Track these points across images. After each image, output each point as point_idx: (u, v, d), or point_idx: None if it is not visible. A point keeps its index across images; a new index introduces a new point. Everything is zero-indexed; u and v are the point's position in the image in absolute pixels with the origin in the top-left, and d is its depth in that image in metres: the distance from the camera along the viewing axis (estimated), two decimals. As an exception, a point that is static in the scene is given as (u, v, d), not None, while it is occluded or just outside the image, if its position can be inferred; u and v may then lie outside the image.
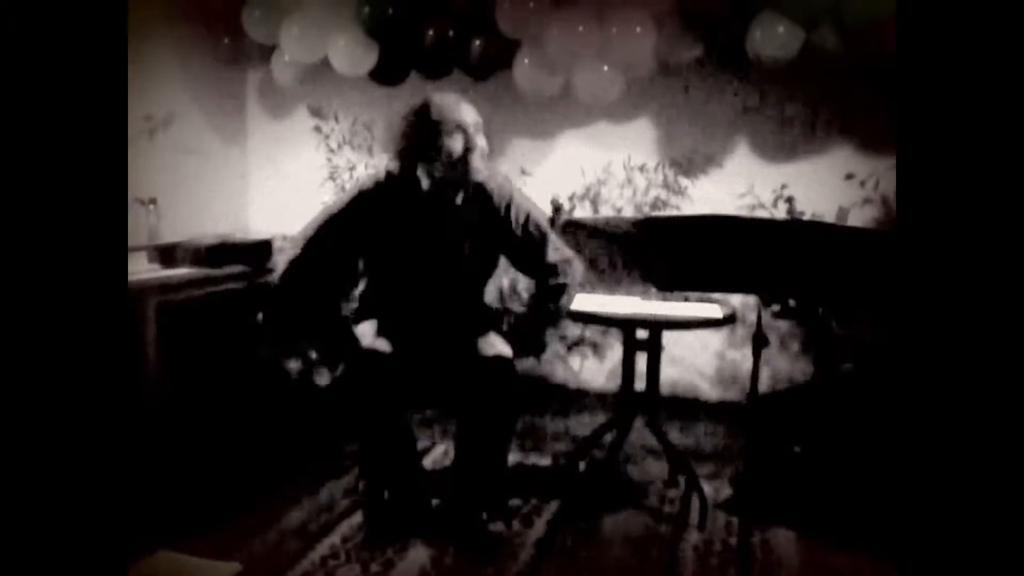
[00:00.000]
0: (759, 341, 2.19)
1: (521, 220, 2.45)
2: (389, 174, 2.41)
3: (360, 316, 2.50)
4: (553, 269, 2.47)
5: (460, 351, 2.43)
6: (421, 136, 2.32)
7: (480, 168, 2.34)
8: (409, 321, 2.45)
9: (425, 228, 2.39)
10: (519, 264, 2.57)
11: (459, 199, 2.40)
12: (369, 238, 2.41)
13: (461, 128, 2.30)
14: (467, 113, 2.33)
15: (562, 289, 2.46)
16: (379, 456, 2.44)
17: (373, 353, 2.37)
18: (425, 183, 2.37)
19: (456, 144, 2.30)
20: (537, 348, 2.52)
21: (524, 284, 2.61)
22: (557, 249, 2.49)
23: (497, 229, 2.44)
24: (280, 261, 2.44)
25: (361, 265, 2.51)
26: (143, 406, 2.37)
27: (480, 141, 2.34)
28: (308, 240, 2.39)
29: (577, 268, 2.50)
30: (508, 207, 2.44)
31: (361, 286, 2.53)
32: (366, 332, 2.44)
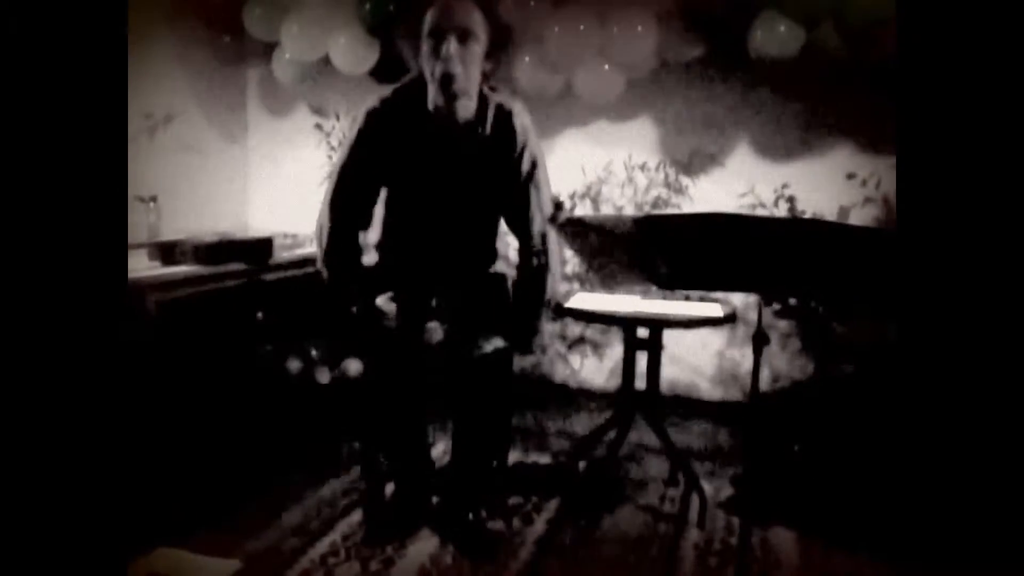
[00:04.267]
0: (759, 340, 2.18)
1: (527, 168, 2.33)
2: (395, 89, 2.27)
3: (374, 278, 2.39)
4: (536, 240, 2.36)
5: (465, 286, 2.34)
6: (424, 42, 2.16)
7: (468, 89, 2.16)
8: (421, 256, 2.35)
9: (434, 149, 2.25)
10: (508, 214, 2.43)
11: (466, 115, 2.22)
12: (387, 159, 2.27)
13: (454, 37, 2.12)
14: (465, 20, 2.14)
15: (544, 275, 2.36)
16: (393, 445, 2.42)
17: (403, 338, 2.29)
18: (430, 99, 2.20)
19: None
20: (528, 337, 2.42)
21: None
22: (542, 219, 2.38)
23: (505, 166, 2.31)
24: (322, 211, 2.30)
25: (382, 200, 2.37)
26: (143, 404, 2.37)
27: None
28: (340, 173, 2.27)
29: (552, 240, 2.37)
30: (523, 149, 2.32)
31: (374, 235, 2.41)
32: (387, 311, 2.34)
